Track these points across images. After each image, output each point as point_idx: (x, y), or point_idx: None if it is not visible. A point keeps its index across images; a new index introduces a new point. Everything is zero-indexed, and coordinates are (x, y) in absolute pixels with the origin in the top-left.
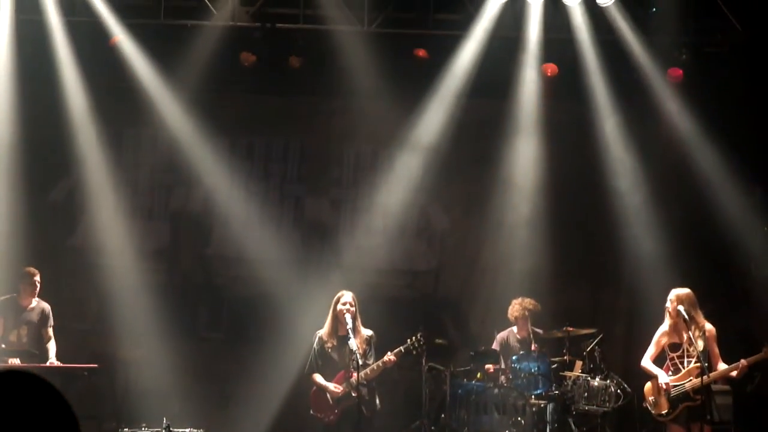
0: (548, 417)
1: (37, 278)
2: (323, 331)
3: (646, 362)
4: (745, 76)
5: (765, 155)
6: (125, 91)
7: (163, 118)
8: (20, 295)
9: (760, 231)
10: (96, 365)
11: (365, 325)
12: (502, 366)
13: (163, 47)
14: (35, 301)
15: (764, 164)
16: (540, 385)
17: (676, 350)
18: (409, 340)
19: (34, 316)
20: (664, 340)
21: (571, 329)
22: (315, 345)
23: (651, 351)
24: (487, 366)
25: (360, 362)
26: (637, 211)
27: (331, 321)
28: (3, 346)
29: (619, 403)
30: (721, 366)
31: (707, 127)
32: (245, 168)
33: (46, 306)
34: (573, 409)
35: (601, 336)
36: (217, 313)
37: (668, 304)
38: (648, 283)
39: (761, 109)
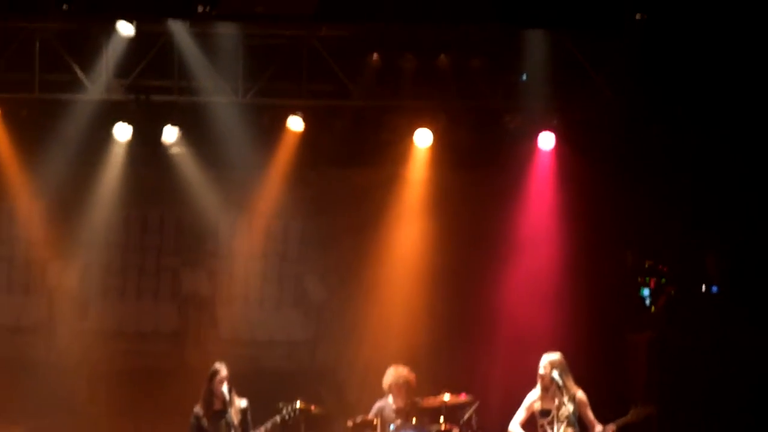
0: None
1: None
2: (198, 407)
3: (515, 427)
4: (614, 140)
5: (635, 221)
6: None
7: (37, 192)
8: None
9: (632, 295)
10: None
11: (242, 396)
12: None
13: (37, 121)
14: None
15: (635, 230)
16: None
17: (546, 416)
18: (284, 410)
19: None
20: (536, 406)
21: (448, 397)
22: (192, 421)
23: (521, 416)
24: None
25: None
26: (512, 278)
27: (206, 395)
28: None
29: None
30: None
31: (578, 192)
32: (121, 240)
33: None
34: None
35: (477, 403)
36: (96, 388)
37: (541, 370)
38: (523, 348)
39: (631, 173)
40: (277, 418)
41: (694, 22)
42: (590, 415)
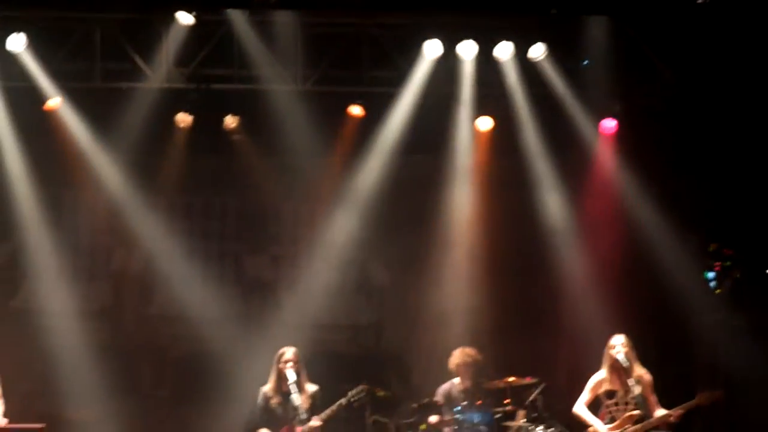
0: None
1: None
2: (267, 388)
3: (580, 408)
4: (677, 125)
5: (700, 203)
6: (63, 154)
7: (101, 180)
8: None
9: (697, 278)
10: (42, 425)
11: (309, 381)
12: (446, 417)
13: (99, 110)
14: None
15: (699, 212)
16: None
17: (612, 398)
18: (349, 393)
19: None
20: (601, 387)
21: (513, 379)
22: (259, 401)
23: (585, 397)
24: (430, 418)
25: (304, 417)
26: (575, 261)
27: (275, 377)
28: None
29: None
30: (658, 413)
31: (642, 177)
32: (184, 227)
33: None
34: None
35: (543, 385)
36: (161, 372)
37: (609, 351)
38: (587, 331)
39: (694, 157)
40: (343, 401)
41: (758, 5)
42: (653, 398)
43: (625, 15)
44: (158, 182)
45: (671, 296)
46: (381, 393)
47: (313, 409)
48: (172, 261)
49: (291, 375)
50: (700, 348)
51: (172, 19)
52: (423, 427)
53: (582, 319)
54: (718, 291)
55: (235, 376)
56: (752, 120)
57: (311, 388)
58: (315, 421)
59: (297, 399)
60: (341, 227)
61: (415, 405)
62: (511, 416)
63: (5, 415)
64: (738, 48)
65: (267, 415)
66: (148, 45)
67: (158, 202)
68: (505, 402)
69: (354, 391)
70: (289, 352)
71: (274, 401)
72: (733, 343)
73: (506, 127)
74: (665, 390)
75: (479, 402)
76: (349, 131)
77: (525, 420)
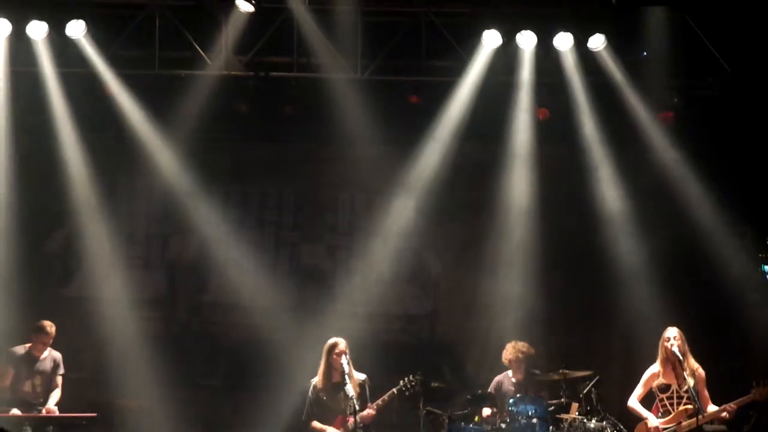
0: None
1: (53, 332)
2: (317, 379)
3: (634, 403)
4: (735, 117)
5: (755, 196)
6: (120, 141)
7: (157, 168)
8: (33, 346)
9: (753, 271)
10: (94, 414)
11: (361, 370)
12: (499, 409)
13: (157, 97)
14: (47, 351)
15: (755, 205)
16: (537, 428)
17: (666, 391)
18: (401, 381)
19: (47, 366)
20: (655, 381)
21: (566, 372)
22: (310, 394)
23: (639, 391)
24: (484, 410)
25: (357, 407)
26: (631, 254)
27: (325, 368)
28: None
29: None
30: (711, 409)
31: (698, 169)
32: (240, 216)
33: (58, 355)
34: None
35: (597, 378)
36: (214, 361)
37: (663, 343)
38: (642, 324)
39: (751, 150)
40: (394, 390)
41: None
42: (705, 393)
43: (684, 6)
44: (214, 170)
45: (726, 289)
46: (435, 384)
47: (362, 399)
48: (227, 249)
49: (344, 365)
50: (755, 342)
51: (232, 6)
52: (477, 419)
53: (636, 312)
54: None
55: (289, 366)
56: None
57: (360, 377)
58: (369, 410)
59: (350, 389)
60: (398, 217)
61: (468, 396)
62: (564, 409)
63: (56, 404)
64: None
65: (318, 407)
66: (207, 32)
67: (214, 191)
68: (559, 394)
69: (406, 380)
70: (341, 343)
71: (325, 392)
72: None
73: (564, 116)
74: (720, 384)
75: (533, 394)
76: (407, 120)
77: (578, 413)
